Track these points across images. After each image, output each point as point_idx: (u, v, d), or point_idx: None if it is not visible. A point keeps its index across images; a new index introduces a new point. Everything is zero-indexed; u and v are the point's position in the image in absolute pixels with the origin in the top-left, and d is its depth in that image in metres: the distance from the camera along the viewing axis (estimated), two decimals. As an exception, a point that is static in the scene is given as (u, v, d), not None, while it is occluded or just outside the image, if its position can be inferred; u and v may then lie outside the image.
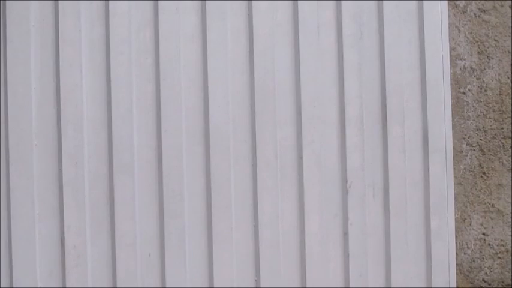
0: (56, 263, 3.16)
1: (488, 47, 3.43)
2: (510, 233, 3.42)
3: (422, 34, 3.31)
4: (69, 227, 3.16)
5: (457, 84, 3.40)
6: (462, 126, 3.42)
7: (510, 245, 3.42)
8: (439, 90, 3.30)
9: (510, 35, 3.44)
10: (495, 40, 3.44)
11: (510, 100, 3.44)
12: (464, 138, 3.42)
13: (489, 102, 3.43)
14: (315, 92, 3.26)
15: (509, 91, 3.44)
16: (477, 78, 3.43)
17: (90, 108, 3.19)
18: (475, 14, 3.43)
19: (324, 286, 3.23)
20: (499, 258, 3.42)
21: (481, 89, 3.43)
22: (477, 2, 3.43)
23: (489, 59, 3.44)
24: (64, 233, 3.16)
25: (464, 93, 3.38)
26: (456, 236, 3.34)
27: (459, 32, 3.41)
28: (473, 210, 3.39)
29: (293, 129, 3.26)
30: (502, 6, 3.44)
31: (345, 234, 3.26)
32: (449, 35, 3.36)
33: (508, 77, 3.45)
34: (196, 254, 3.20)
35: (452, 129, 3.35)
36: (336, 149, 3.27)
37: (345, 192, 3.24)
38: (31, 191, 3.15)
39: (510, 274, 3.42)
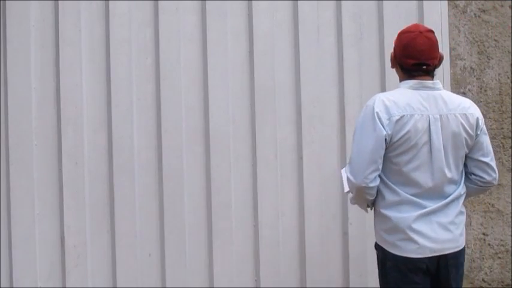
0: (56, 263, 3.16)
1: (488, 47, 3.44)
2: (510, 233, 3.42)
3: (422, 34, 3.30)
4: (69, 227, 3.16)
5: (457, 84, 3.40)
6: (462, 126, 3.41)
7: (510, 245, 3.42)
8: (439, 90, 3.29)
9: (510, 35, 3.44)
10: (495, 40, 3.44)
11: (510, 100, 3.44)
12: (464, 138, 3.41)
13: (489, 102, 3.43)
14: (315, 92, 3.26)
15: (509, 91, 3.44)
16: (477, 78, 3.43)
17: (90, 108, 3.19)
18: (475, 14, 3.43)
19: (324, 286, 3.23)
20: (499, 258, 3.42)
21: (481, 89, 3.43)
22: (477, 2, 3.43)
23: (489, 59, 3.44)
24: (64, 233, 3.16)
25: (464, 93, 3.38)
26: (456, 236, 3.33)
27: (459, 32, 3.41)
28: (473, 210, 3.40)
29: (293, 129, 3.26)
30: (502, 6, 3.44)
31: (345, 234, 3.26)
32: (449, 35, 3.36)
33: (508, 77, 3.45)
34: (196, 254, 3.20)
35: (452, 129, 3.34)
36: (336, 149, 3.27)
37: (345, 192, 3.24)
38: (31, 191, 3.15)
39: (510, 274, 3.42)
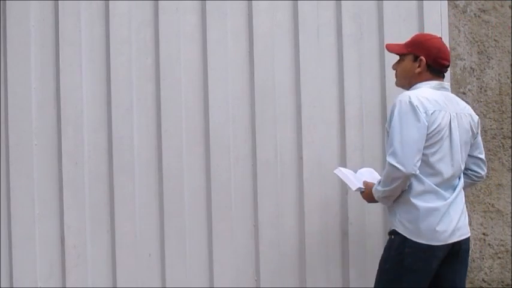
0: (56, 263, 3.16)
1: (488, 47, 3.44)
2: (510, 233, 3.42)
3: (422, 34, 3.30)
4: (69, 227, 3.16)
5: (457, 84, 3.40)
6: (462, 126, 3.41)
7: (510, 245, 3.42)
8: (439, 90, 3.29)
9: (510, 35, 3.44)
10: (495, 40, 3.44)
11: (510, 100, 3.44)
12: (464, 138, 3.41)
13: (489, 102, 3.43)
14: (315, 92, 3.26)
15: (509, 91, 3.44)
16: (477, 78, 3.43)
17: (90, 108, 3.19)
18: (475, 14, 3.43)
19: (323, 286, 3.23)
20: (499, 258, 3.42)
21: (481, 89, 3.43)
22: (477, 2, 3.43)
23: (489, 59, 3.44)
24: (64, 233, 3.16)
25: (464, 93, 3.38)
26: (456, 236, 3.33)
27: (459, 32, 3.41)
28: (473, 210, 3.40)
29: (293, 129, 3.26)
30: (502, 6, 3.44)
31: (345, 234, 3.26)
32: (449, 35, 3.36)
33: (508, 77, 3.45)
34: (196, 254, 3.20)
35: (452, 129, 3.34)
36: (336, 149, 3.27)
37: (344, 192, 3.24)
38: (31, 191, 3.15)
39: (510, 274, 3.42)
